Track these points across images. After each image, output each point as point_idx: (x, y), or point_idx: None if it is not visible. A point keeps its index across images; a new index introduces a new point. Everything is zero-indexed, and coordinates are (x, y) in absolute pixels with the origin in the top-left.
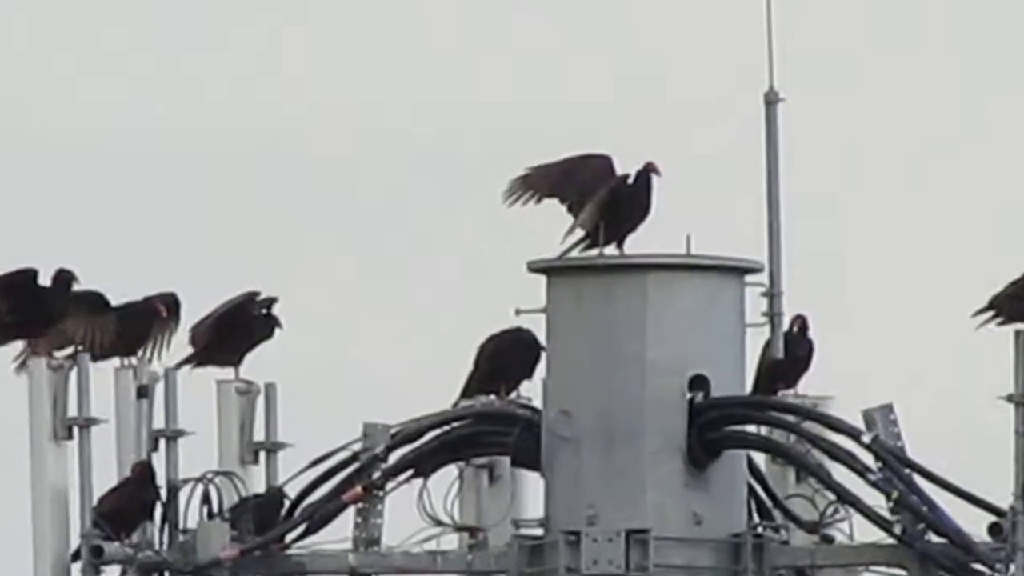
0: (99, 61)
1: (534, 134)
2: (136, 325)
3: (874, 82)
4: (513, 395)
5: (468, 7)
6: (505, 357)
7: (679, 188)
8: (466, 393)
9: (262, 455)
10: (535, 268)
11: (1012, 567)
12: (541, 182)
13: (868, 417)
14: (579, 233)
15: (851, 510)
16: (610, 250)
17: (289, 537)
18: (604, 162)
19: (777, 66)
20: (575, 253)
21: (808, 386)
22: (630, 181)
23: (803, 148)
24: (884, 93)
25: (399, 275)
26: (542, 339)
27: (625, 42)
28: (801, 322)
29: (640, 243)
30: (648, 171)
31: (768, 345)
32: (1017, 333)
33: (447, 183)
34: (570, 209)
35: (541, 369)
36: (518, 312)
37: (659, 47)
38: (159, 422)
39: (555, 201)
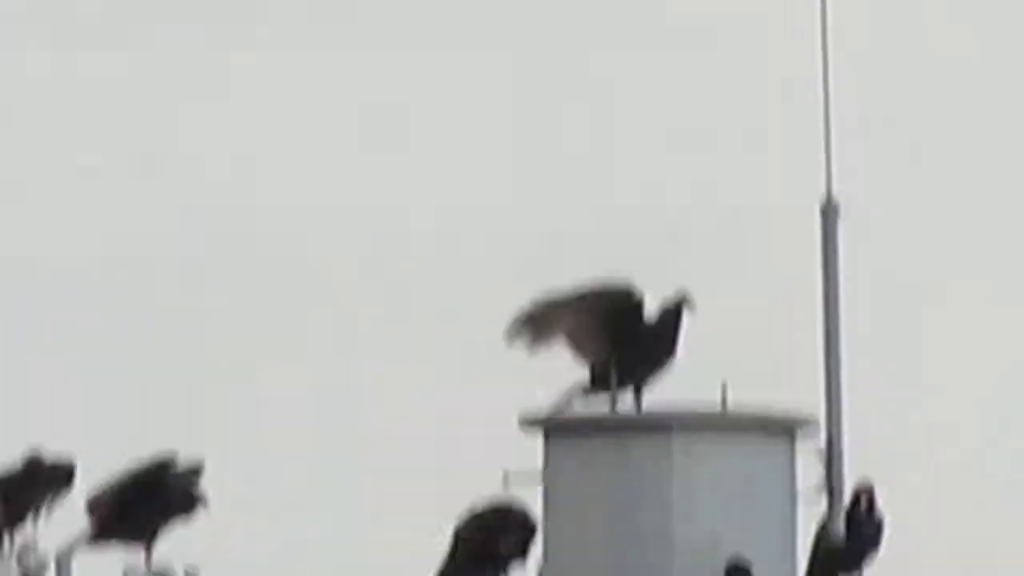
0: None
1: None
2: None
3: (940, 191)
4: None
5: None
6: (489, 538)
7: (712, 324)
8: None
9: None
10: (529, 422)
11: None
12: (551, 324)
13: None
14: (582, 379)
15: None
16: (625, 402)
17: None
18: (625, 297)
19: (836, 169)
20: (578, 404)
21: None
22: (651, 313)
23: (869, 266)
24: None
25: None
26: (537, 514)
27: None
28: (868, 495)
29: (663, 393)
30: (680, 303)
31: (826, 523)
32: None
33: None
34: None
35: (536, 553)
36: (507, 478)
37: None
38: None
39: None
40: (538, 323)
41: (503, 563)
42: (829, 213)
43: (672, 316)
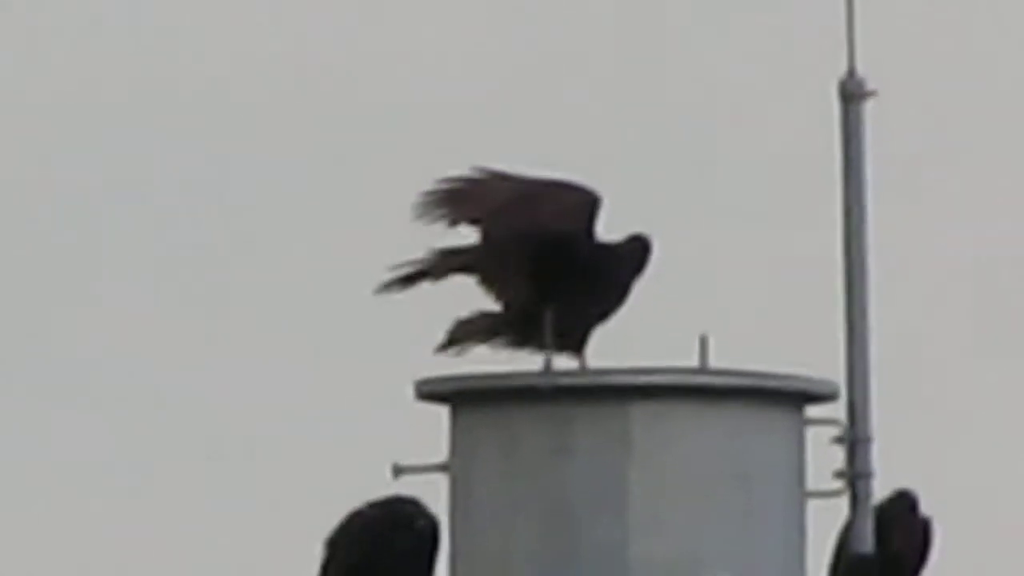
0: None
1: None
2: None
3: None
4: None
5: None
6: (377, 550)
7: (695, 245)
8: None
9: None
10: (428, 393)
11: None
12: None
13: None
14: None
15: None
16: (563, 360)
17: None
18: (580, 199)
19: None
20: (494, 362)
21: None
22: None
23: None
24: None
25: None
26: (441, 520)
27: None
28: (910, 494)
29: (617, 348)
30: (639, 241)
31: (849, 529)
32: None
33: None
34: (485, 278)
35: (440, 570)
36: (397, 471)
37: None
38: None
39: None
40: (456, 205)
41: None
42: (851, 94)
43: (635, 251)
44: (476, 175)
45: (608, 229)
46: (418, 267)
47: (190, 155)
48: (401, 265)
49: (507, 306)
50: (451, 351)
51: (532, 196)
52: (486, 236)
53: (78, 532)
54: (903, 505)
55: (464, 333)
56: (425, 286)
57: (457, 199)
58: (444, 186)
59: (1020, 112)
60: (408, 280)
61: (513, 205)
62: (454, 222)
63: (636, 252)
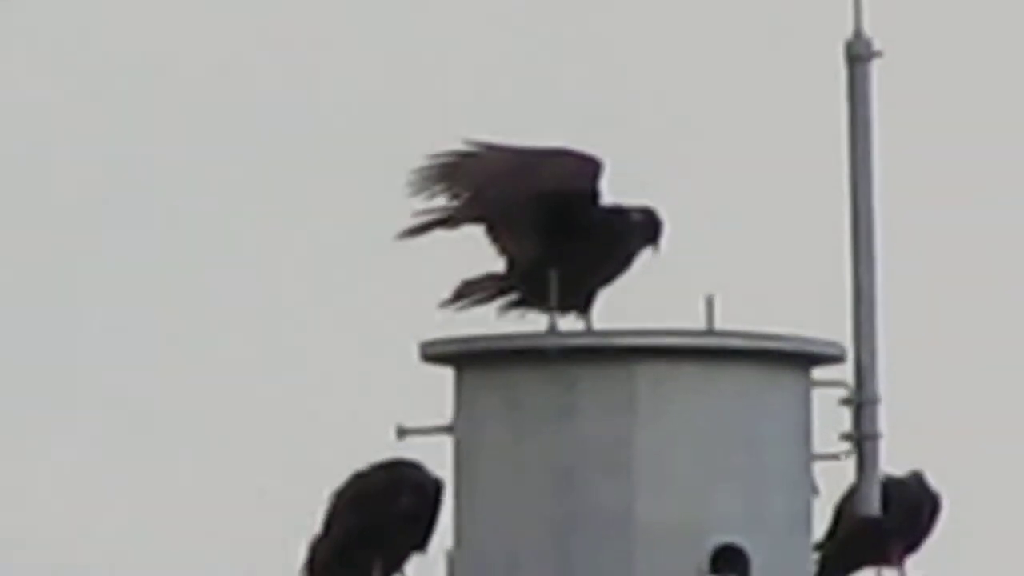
0: None
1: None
2: None
3: None
4: None
5: None
6: (379, 513)
7: (702, 210)
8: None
9: None
10: (432, 354)
11: None
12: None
13: None
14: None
15: None
16: (568, 321)
17: None
18: (583, 162)
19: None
20: (499, 323)
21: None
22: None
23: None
24: None
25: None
26: (444, 482)
27: None
28: (921, 474)
29: (622, 309)
30: (650, 216)
31: (854, 492)
32: None
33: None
34: (493, 236)
35: (443, 533)
36: (402, 433)
37: None
38: None
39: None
40: (454, 178)
41: (394, 541)
42: (857, 55)
43: (645, 222)
44: (469, 148)
45: (614, 189)
46: (437, 216)
47: (191, 107)
48: (423, 212)
49: (512, 263)
50: (456, 306)
51: (533, 160)
52: (489, 197)
53: (85, 476)
54: (915, 481)
55: (470, 292)
56: (441, 237)
57: (454, 171)
58: (438, 160)
59: None
60: (426, 228)
61: (515, 168)
62: (454, 195)
63: (646, 225)
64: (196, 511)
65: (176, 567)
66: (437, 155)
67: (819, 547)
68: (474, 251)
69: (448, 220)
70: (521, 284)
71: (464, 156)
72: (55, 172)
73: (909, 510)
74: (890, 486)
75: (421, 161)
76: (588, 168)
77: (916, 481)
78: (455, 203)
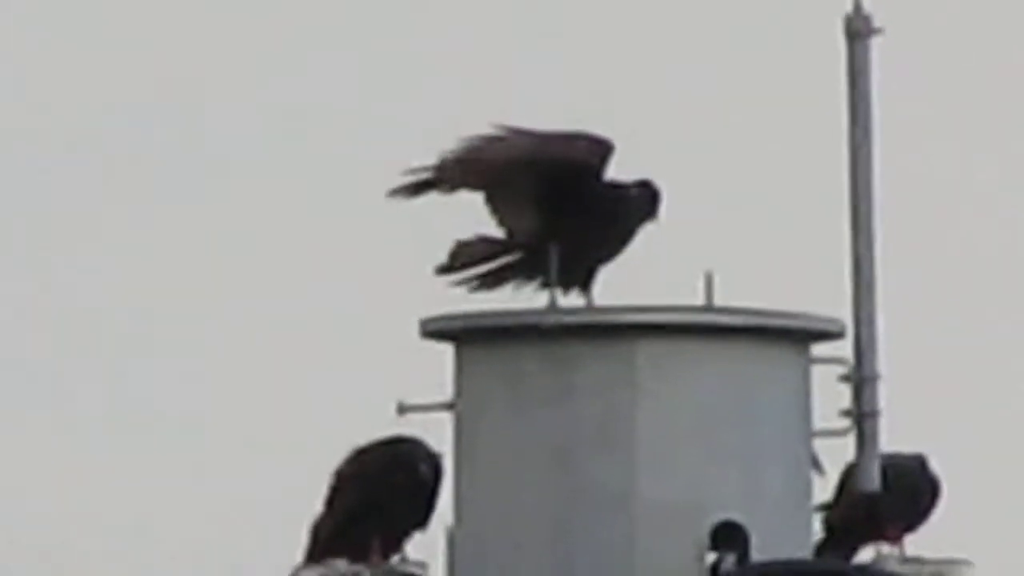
0: None
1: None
2: None
3: None
4: (395, 558)
5: None
6: (380, 490)
7: (702, 186)
8: (312, 552)
9: None
10: (433, 331)
11: None
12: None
13: None
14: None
15: None
16: (568, 298)
17: None
18: (592, 142)
19: None
20: (499, 300)
21: (926, 542)
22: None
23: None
24: None
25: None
26: (444, 460)
27: None
28: (919, 459)
29: (622, 286)
30: (648, 189)
31: (853, 469)
32: None
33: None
34: (492, 208)
35: (444, 510)
36: (402, 409)
37: None
38: None
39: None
40: (464, 166)
41: (393, 520)
42: (857, 31)
43: (647, 197)
44: (493, 132)
45: (619, 169)
46: (430, 174)
47: (194, 79)
48: (414, 170)
49: (511, 235)
50: (452, 278)
51: (543, 136)
52: (487, 159)
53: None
54: (916, 465)
55: (465, 258)
56: (443, 214)
57: (473, 155)
58: (461, 144)
59: None
60: (419, 188)
61: (521, 141)
62: (455, 158)
63: (645, 199)
64: (195, 491)
65: (175, 546)
66: (461, 139)
67: (823, 508)
68: (476, 228)
69: (443, 181)
70: (519, 256)
71: (486, 140)
72: (48, 144)
73: (909, 493)
74: (891, 466)
75: (447, 144)
76: (595, 147)
77: (918, 464)
78: (452, 165)
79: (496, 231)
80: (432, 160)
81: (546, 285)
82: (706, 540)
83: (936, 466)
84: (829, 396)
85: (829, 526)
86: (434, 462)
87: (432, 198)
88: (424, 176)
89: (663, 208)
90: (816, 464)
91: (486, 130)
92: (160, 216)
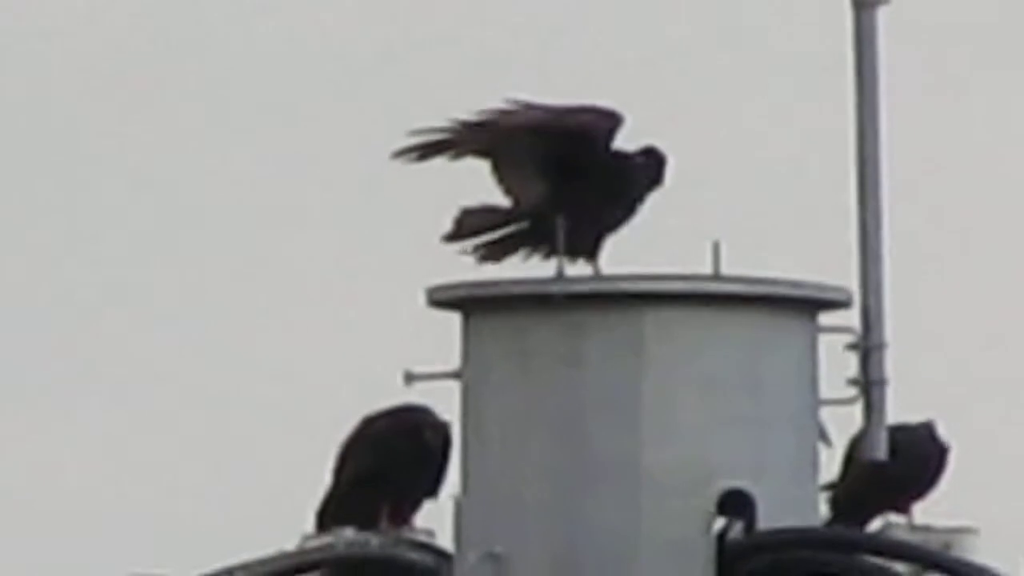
0: None
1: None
2: None
3: None
4: (405, 529)
5: None
6: (387, 457)
7: (706, 157)
8: (323, 521)
9: None
10: (440, 299)
11: None
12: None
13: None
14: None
15: None
16: (575, 267)
17: None
18: (602, 114)
19: None
20: (510, 267)
21: (933, 511)
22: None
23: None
24: None
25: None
26: (452, 429)
27: None
28: (927, 426)
29: (629, 254)
30: (653, 155)
31: (861, 437)
32: None
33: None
34: (499, 177)
35: (452, 480)
36: (410, 378)
37: None
38: None
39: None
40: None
41: (401, 488)
42: (864, 1)
43: (654, 164)
44: (507, 105)
45: (626, 138)
46: (438, 136)
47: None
48: (422, 131)
49: (517, 203)
50: (459, 246)
51: (553, 107)
52: (495, 124)
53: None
54: (925, 431)
55: (472, 227)
56: (451, 183)
57: (482, 120)
58: (475, 115)
59: None
60: (426, 151)
61: (531, 111)
62: (479, 147)
63: (651, 166)
64: (203, 462)
65: (183, 517)
66: (475, 111)
67: (828, 487)
68: (483, 197)
69: (452, 144)
70: (527, 227)
71: (499, 112)
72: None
73: (918, 460)
74: (900, 435)
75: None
76: (604, 118)
77: (926, 431)
78: (461, 128)
79: (502, 200)
80: (440, 123)
81: (553, 254)
82: (713, 508)
83: (944, 433)
84: (836, 365)
85: (835, 500)
86: (442, 431)
87: (439, 164)
88: (432, 138)
89: (669, 175)
90: (823, 436)
91: (498, 103)
92: (163, 187)
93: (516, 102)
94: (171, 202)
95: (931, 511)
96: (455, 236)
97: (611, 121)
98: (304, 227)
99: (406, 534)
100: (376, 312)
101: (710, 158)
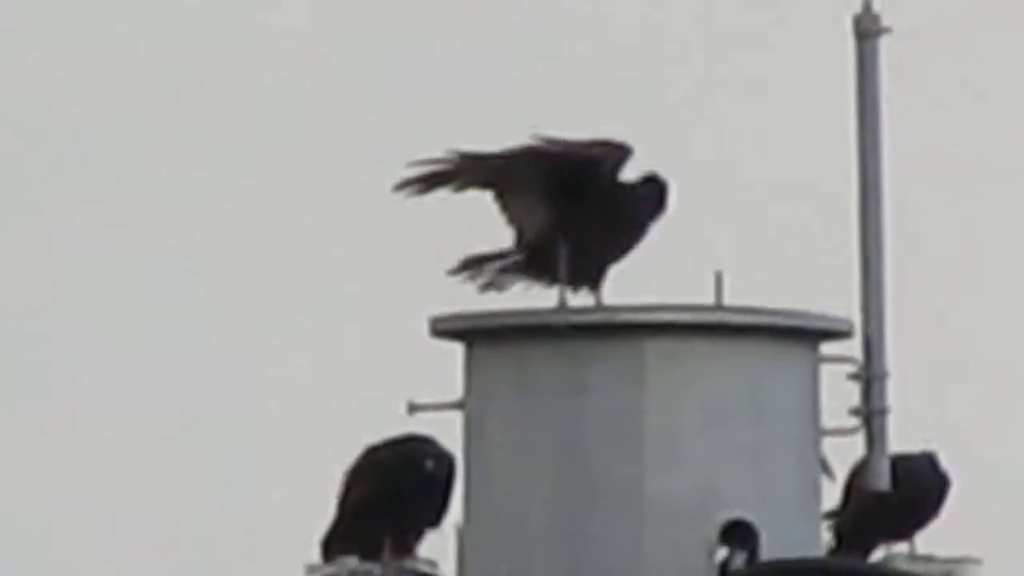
0: None
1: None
2: None
3: None
4: (408, 558)
5: None
6: (391, 487)
7: (710, 186)
8: (327, 551)
9: None
10: (443, 330)
11: None
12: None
13: None
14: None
15: None
16: (578, 297)
17: None
18: (609, 145)
19: None
20: (509, 299)
21: (936, 540)
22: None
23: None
24: None
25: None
26: (455, 459)
27: None
28: (928, 456)
29: (632, 285)
30: (656, 184)
31: (863, 467)
32: None
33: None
34: (502, 204)
35: (455, 508)
36: (413, 409)
37: None
38: None
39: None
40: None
41: (405, 518)
42: (866, 31)
43: (654, 191)
44: (523, 140)
45: (631, 167)
46: (440, 168)
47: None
48: (422, 162)
49: (521, 233)
50: (464, 276)
51: (560, 140)
52: (499, 156)
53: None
54: (926, 461)
55: (478, 260)
56: (453, 213)
57: (485, 150)
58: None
59: None
60: (428, 183)
61: (538, 143)
62: (481, 178)
63: (653, 194)
64: (206, 491)
65: (187, 546)
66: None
67: (829, 515)
68: (486, 227)
69: (454, 176)
70: (529, 257)
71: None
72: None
73: (919, 489)
74: (901, 464)
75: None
76: (610, 150)
77: (927, 461)
78: (463, 159)
79: (507, 237)
80: (442, 154)
81: (556, 283)
82: (716, 539)
83: (946, 463)
84: (838, 395)
85: (838, 531)
86: (446, 460)
87: (443, 196)
88: (433, 169)
89: (672, 203)
90: (825, 467)
91: (511, 138)
92: (161, 210)
93: (532, 136)
94: (174, 228)
95: (933, 540)
96: (462, 271)
97: (619, 153)
98: (307, 256)
99: (409, 564)
100: (379, 342)
101: (712, 188)
